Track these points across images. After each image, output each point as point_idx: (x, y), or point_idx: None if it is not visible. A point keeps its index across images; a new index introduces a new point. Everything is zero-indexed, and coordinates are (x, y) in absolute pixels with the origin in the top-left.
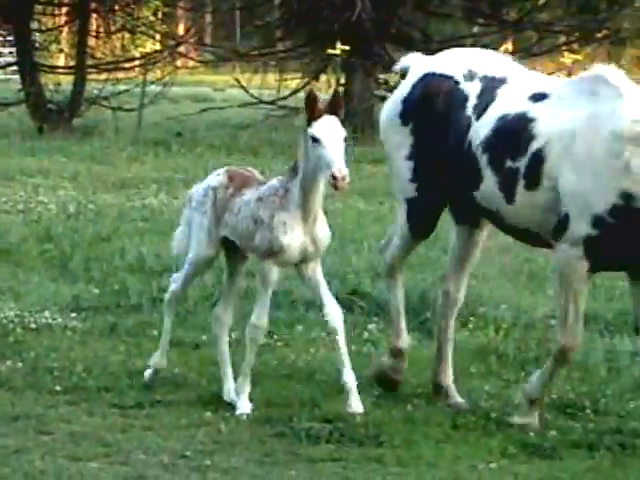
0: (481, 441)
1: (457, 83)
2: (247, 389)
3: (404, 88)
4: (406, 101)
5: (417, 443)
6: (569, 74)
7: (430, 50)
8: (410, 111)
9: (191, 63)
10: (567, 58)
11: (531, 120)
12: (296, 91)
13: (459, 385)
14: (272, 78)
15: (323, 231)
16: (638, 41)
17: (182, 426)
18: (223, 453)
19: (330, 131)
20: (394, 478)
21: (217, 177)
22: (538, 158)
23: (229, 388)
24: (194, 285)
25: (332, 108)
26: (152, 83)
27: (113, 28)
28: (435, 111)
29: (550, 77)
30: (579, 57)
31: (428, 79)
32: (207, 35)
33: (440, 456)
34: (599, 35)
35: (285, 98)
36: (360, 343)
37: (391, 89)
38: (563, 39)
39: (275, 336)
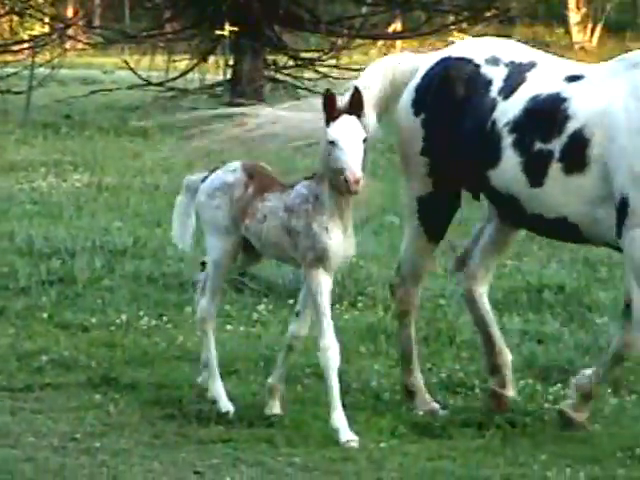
0: (371, 421)
1: (478, 67)
2: (344, 419)
3: (417, 77)
4: (420, 88)
5: (306, 423)
6: None
7: (319, 31)
8: (424, 99)
9: (80, 45)
10: (456, 37)
11: (564, 100)
12: (185, 72)
13: (349, 365)
14: (161, 60)
15: (352, 239)
16: (527, 20)
17: (71, 408)
18: (113, 435)
19: (348, 133)
20: (284, 459)
21: (233, 173)
22: (579, 140)
23: (216, 386)
24: (83, 268)
25: (351, 108)
26: (41, 66)
27: (1, 11)
28: (453, 96)
29: (582, 63)
30: (468, 36)
31: (445, 63)
32: (96, 17)
33: (330, 436)
34: (488, 14)
35: (174, 79)
36: (249, 324)
37: (279, 69)
38: (452, 18)
39: (164, 318)
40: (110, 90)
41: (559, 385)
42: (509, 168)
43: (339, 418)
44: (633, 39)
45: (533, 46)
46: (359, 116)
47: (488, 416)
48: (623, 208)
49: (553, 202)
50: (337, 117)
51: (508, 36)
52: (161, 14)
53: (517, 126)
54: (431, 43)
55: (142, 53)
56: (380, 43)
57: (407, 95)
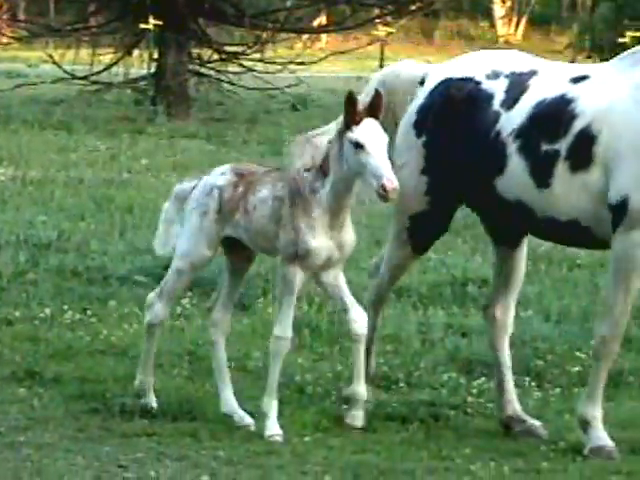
0: (295, 414)
1: (479, 83)
2: (275, 409)
3: (420, 97)
4: (422, 110)
5: (230, 417)
6: (382, 47)
7: (243, 25)
8: (426, 120)
9: (4, 39)
10: (381, 31)
11: (570, 100)
12: (109, 66)
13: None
14: (85, 53)
15: (349, 236)
16: (452, 14)
17: None
18: (37, 429)
19: (374, 136)
20: (208, 452)
21: (223, 176)
22: (585, 138)
23: (227, 398)
24: (7, 262)
25: (373, 110)
26: None
27: None
28: (455, 116)
29: (585, 64)
30: (393, 30)
31: (447, 84)
32: (20, 11)
33: (254, 430)
34: (412, 8)
35: (98, 73)
36: (173, 318)
37: (204, 63)
38: (376, 12)
39: (88, 312)
40: (35, 84)
41: (483, 379)
42: (515, 173)
43: (268, 404)
44: (558, 32)
45: (463, 40)
46: (379, 119)
47: (412, 409)
48: (621, 208)
49: (561, 203)
50: (360, 120)
51: (432, 30)
52: (85, 7)
53: (522, 132)
54: (355, 37)
55: (67, 47)
56: (305, 37)
57: (409, 116)
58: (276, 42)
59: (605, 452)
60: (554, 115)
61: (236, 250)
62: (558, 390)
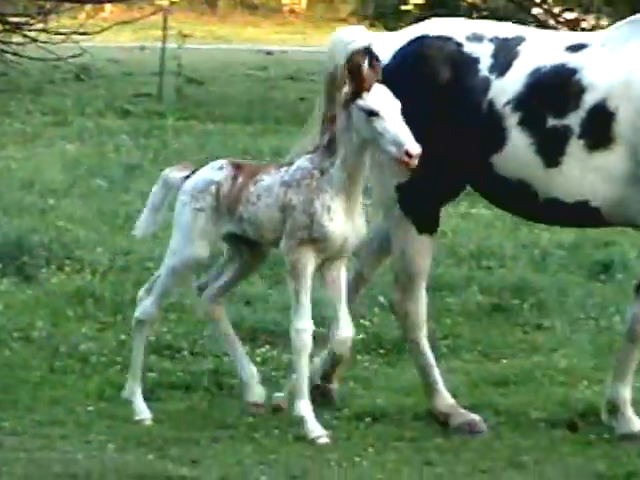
0: (78, 384)
1: (460, 45)
2: (310, 410)
3: (384, 59)
4: (389, 70)
5: (14, 387)
6: (165, 17)
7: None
8: (394, 82)
9: None
10: (164, 0)
11: (574, 71)
12: None
13: (56, 329)
14: None
15: (362, 222)
16: None
17: None
18: None
19: (388, 102)
20: None
21: (219, 171)
22: (601, 114)
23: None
24: None
25: (378, 75)
26: None
27: None
28: (434, 79)
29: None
30: None
31: (421, 42)
32: None
33: (37, 400)
34: None
35: None
36: None
37: None
38: None
39: None
40: None
41: (267, 347)
42: (518, 150)
43: (305, 407)
44: (341, 1)
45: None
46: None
47: (195, 378)
48: None
49: (572, 184)
50: (370, 87)
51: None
52: None
53: (521, 103)
54: (140, 7)
55: None
56: (88, 7)
57: None
58: (60, 12)
59: (636, 438)
60: (557, 86)
61: (245, 247)
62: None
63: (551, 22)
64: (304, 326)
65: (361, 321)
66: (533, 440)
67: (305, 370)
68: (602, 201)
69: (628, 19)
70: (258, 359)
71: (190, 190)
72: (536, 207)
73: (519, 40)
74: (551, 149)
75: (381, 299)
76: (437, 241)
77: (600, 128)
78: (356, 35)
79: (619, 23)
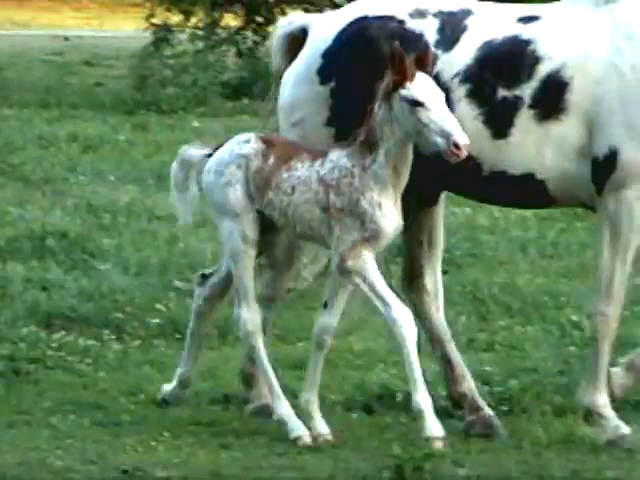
0: None
1: (402, 22)
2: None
3: (323, 39)
4: (328, 54)
5: None
6: None
7: None
8: (334, 65)
9: None
10: None
11: (528, 42)
12: None
13: None
14: None
15: (400, 215)
16: None
17: None
18: None
19: (432, 92)
20: None
21: (247, 144)
22: (555, 84)
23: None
24: None
25: (421, 65)
26: None
27: None
28: (377, 59)
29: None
30: None
31: (361, 23)
32: None
33: None
34: None
35: None
36: None
37: None
38: None
39: None
40: None
41: (62, 332)
42: (465, 122)
43: (424, 399)
44: None
45: None
46: (429, 74)
47: None
48: (610, 161)
49: (520, 155)
50: (412, 76)
51: None
52: None
53: (470, 76)
54: None
55: None
56: None
57: (308, 63)
58: None
59: (628, 441)
60: (510, 57)
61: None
62: (138, 342)
63: None
64: (401, 314)
65: (157, 306)
66: (330, 423)
67: (417, 360)
68: (549, 174)
69: None
70: (54, 344)
71: (215, 166)
72: (481, 182)
73: (466, 14)
74: (500, 120)
75: (177, 283)
76: None
77: (553, 98)
78: (293, 18)
79: None
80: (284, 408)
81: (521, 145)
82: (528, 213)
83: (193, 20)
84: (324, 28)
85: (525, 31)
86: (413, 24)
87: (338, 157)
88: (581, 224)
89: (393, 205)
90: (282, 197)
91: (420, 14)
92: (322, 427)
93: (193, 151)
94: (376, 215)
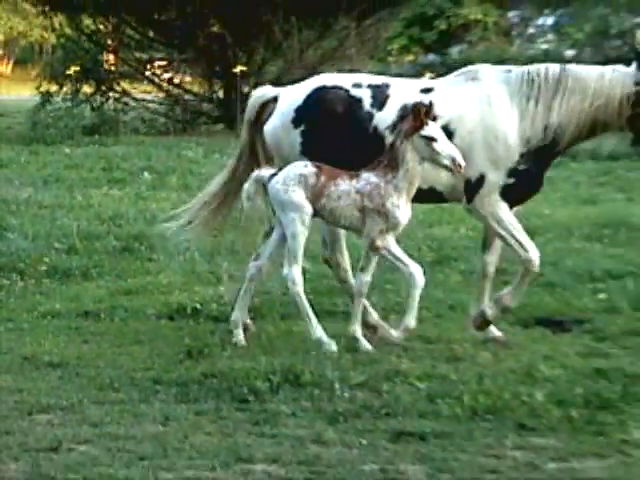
0: None
1: (347, 91)
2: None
3: (294, 101)
4: (299, 109)
5: None
6: None
7: None
8: (303, 116)
9: None
10: None
11: None
12: None
13: None
14: None
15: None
16: None
17: None
18: None
19: (440, 132)
20: None
21: (305, 167)
22: (446, 133)
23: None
24: None
25: (428, 115)
26: None
27: None
28: (333, 112)
29: (418, 79)
30: None
31: (322, 90)
32: None
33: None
34: None
35: None
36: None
37: None
38: None
39: None
40: None
41: None
42: None
43: (413, 321)
44: (33, 68)
45: None
46: (435, 121)
47: None
48: (480, 181)
49: (426, 177)
50: (427, 122)
51: None
52: None
53: (395, 127)
54: None
55: None
56: None
57: (285, 115)
58: None
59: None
60: None
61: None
62: (33, 281)
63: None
64: (415, 270)
65: (44, 259)
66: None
67: (416, 299)
68: (443, 188)
69: (458, 72)
70: None
71: (282, 180)
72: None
73: (386, 86)
74: None
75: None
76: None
77: None
78: (267, 90)
79: (455, 72)
80: (318, 331)
81: (426, 173)
82: None
83: (65, 89)
84: (293, 94)
85: (425, 98)
86: (354, 92)
87: (368, 176)
88: None
89: (406, 205)
90: (332, 203)
91: (358, 85)
92: (365, 345)
93: (263, 172)
94: (396, 213)
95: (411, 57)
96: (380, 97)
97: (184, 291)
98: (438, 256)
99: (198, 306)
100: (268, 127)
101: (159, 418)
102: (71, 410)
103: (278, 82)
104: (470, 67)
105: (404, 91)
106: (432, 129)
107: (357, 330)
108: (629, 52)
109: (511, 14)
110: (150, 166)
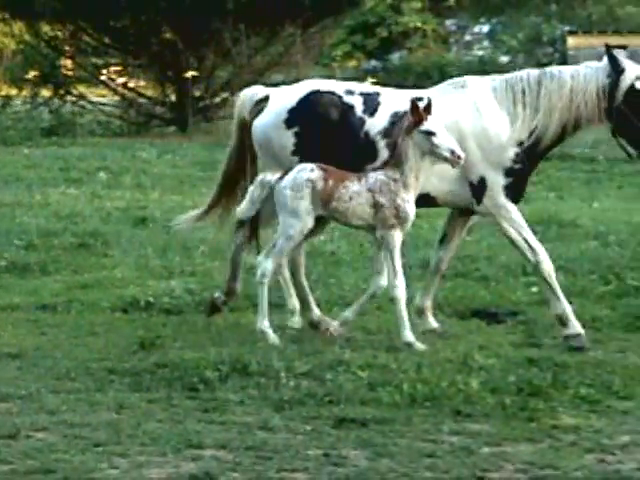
0: None
1: (340, 97)
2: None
3: (288, 102)
4: (292, 111)
5: None
6: None
7: None
8: (296, 117)
9: None
10: None
11: None
12: None
13: None
14: None
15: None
16: None
17: None
18: None
19: (439, 125)
20: None
21: (312, 172)
22: None
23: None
24: None
25: (428, 111)
26: None
27: None
28: (327, 116)
29: (406, 89)
30: None
31: (316, 94)
32: None
33: None
34: None
35: None
36: None
37: None
38: None
39: None
40: None
41: None
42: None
43: (408, 334)
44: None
45: None
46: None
47: None
48: (482, 183)
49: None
50: (426, 118)
51: None
52: None
53: (387, 133)
54: None
55: None
56: None
57: (277, 115)
58: None
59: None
60: None
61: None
62: None
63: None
64: (399, 283)
65: (5, 255)
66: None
67: (404, 310)
68: (437, 193)
69: (447, 82)
70: None
71: (290, 185)
72: None
73: (377, 94)
74: None
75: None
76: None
77: None
78: (257, 90)
79: (442, 84)
80: (264, 324)
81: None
82: None
83: (24, 93)
84: (286, 95)
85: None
86: (347, 98)
87: (375, 174)
88: None
89: (414, 200)
90: (343, 204)
91: (350, 92)
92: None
93: (269, 176)
94: (406, 208)
95: (354, 63)
96: (372, 104)
97: (138, 285)
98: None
99: (151, 299)
100: (258, 125)
101: (113, 406)
102: (29, 399)
103: (228, 86)
104: (457, 78)
105: (395, 99)
106: (431, 123)
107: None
108: (560, 58)
109: (449, 22)
110: (105, 166)
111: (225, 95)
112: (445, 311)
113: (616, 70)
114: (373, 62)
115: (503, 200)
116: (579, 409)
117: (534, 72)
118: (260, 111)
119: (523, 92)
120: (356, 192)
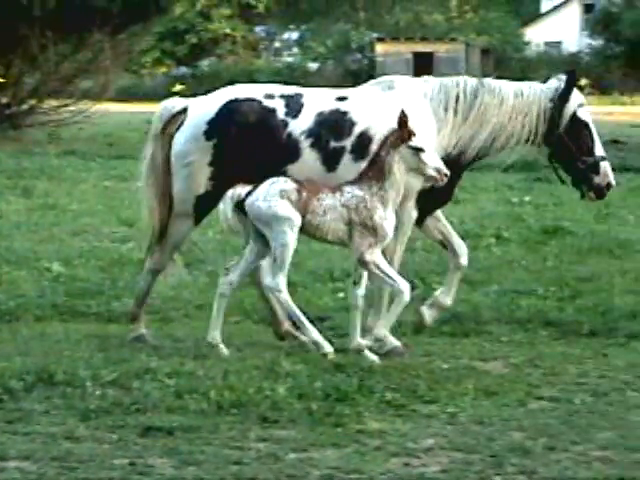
0: None
1: (260, 102)
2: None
3: (205, 114)
4: (211, 122)
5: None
6: None
7: None
8: (215, 128)
9: None
10: None
11: (345, 113)
12: None
13: None
14: None
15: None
16: None
17: None
18: None
19: (425, 143)
20: None
21: (285, 183)
22: (366, 138)
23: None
24: None
25: (405, 124)
26: None
27: None
28: (246, 123)
29: (330, 89)
30: None
31: (235, 102)
32: None
33: None
34: None
35: None
36: None
37: None
38: None
39: None
40: None
41: None
42: (309, 162)
43: (385, 332)
44: None
45: None
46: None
47: None
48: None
49: (344, 179)
50: (413, 134)
51: None
52: None
53: (312, 133)
54: None
55: None
56: None
57: (197, 127)
58: None
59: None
60: (335, 122)
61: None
62: None
63: None
64: (403, 287)
65: None
66: None
67: (395, 315)
68: None
69: (372, 82)
70: None
71: (263, 197)
72: None
73: (300, 95)
74: (331, 161)
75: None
76: None
77: (364, 147)
78: (175, 102)
79: (369, 83)
80: (314, 334)
81: (344, 176)
82: None
83: None
84: (203, 106)
85: (342, 106)
86: (267, 102)
87: (352, 189)
88: None
89: (392, 215)
90: (317, 218)
91: (270, 96)
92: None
93: (239, 190)
94: (384, 225)
95: (164, 69)
96: (294, 106)
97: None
98: (187, 258)
99: None
100: (179, 138)
101: None
102: None
103: (36, 93)
104: (383, 78)
105: (318, 99)
106: (420, 140)
107: (361, 343)
108: (369, 64)
109: (258, 29)
110: None
111: (33, 102)
112: (253, 317)
113: (561, 96)
114: (183, 69)
115: (410, 207)
116: (385, 413)
117: (472, 81)
118: (181, 124)
119: (457, 99)
120: (330, 206)
